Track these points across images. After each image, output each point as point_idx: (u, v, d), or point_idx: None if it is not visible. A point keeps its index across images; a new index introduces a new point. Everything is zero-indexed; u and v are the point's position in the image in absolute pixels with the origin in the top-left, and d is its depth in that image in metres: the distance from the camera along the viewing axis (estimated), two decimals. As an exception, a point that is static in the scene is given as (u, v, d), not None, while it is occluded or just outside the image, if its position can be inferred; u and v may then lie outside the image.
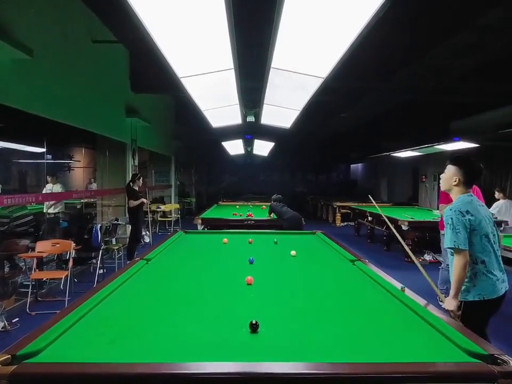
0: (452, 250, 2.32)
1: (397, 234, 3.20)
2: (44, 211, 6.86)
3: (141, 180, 6.58)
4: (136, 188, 6.44)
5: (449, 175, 2.50)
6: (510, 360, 1.37)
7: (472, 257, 2.32)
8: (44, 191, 7.13)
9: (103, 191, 8.02)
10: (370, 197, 4.27)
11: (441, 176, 2.60)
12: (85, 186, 11.34)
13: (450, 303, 2.32)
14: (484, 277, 2.32)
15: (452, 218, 2.32)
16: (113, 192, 8.04)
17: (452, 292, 2.33)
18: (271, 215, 6.58)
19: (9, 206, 5.07)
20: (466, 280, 2.33)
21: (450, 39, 5.23)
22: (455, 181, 2.46)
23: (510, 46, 5.57)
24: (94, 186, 10.72)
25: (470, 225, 2.31)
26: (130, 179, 6.75)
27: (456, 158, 2.53)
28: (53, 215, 6.99)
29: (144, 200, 6.55)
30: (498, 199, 6.88)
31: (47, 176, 7.31)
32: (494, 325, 2.50)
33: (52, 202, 6.95)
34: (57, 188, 7.11)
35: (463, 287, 2.34)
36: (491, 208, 6.65)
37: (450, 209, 2.37)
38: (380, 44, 5.12)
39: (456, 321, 1.81)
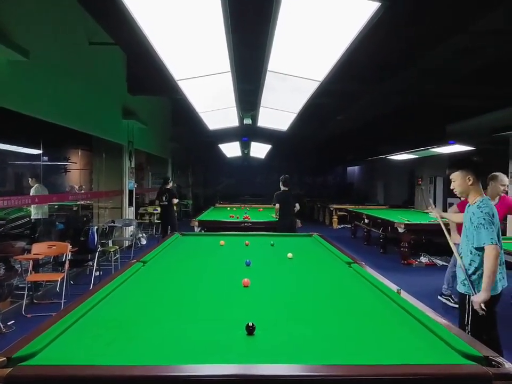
0: (481, 249, 2.46)
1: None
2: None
3: (171, 183, 8.20)
4: (169, 187, 7.98)
5: (461, 180, 2.60)
6: (504, 362, 1.37)
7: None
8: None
9: (99, 193, 8.01)
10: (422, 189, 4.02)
11: (452, 187, 2.70)
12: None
13: (482, 297, 2.42)
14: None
15: (484, 219, 2.45)
16: (110, 194, 8.03)
17: (485, 285, 2.42)
18: (275, 206, 6.31)
19: (6, 207, 5.04)
20: (474, 277, 2.52)
21: (446, 43, 5.27)
22: (469, 180, 2.56)
23: (505, 51, 5.61)
24: None
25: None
26: (163, 182, 8.18)
27: (456, 163, 2.65)
28: (34, 220, 6.66)
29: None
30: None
31: (29, 178, 6.89)
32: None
33: (33, 206, 6.68)
34: (33, 191, 6.57)
35: (468, 283, 2.53)
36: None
37: (481, 212, 2.48)
38: (376, 48, 5.14)
39: (451, 324, 1.82)
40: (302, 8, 2.51)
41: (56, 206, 8.01)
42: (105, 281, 2.46)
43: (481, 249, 2.47)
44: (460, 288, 2.64)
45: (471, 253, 2.56)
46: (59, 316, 1.79)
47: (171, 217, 8.04)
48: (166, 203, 7.97)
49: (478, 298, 2.44)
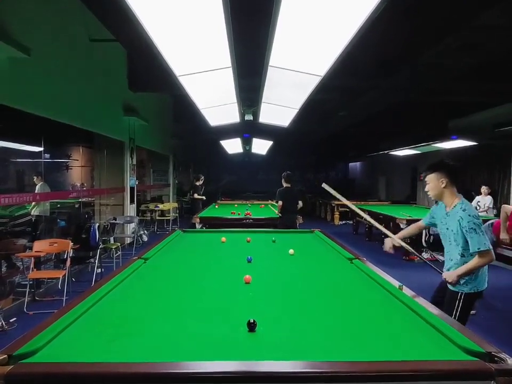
0: (477, 252, 2.44)
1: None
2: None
3: (202, 180, 9.30)
4: (197, 184, 9.15)
5: (434, 182, 2.60)
6: (507, 358, 1.36)
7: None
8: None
9: (101, 190, 8.01)
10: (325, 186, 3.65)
11: (426, 189, 2.70)
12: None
13: (452, 277, 2.53)
14: (481, 271, 2.56)
15: (474, 223, 2.44)
16: (112, 192, 8.03)
17: (460, 271, 2.51)
18: (278, 204, 6.25)
19: (9, 205, 5.05)
20: (467, 278, 2.53)
21: (448, 39, 5.23)
22: (442, 182, 2.56)
23: (508, 46, 5.57)
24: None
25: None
26: (195, 178, 9.50)
27: (431, 165, 2.67)
28: (35, 217, 6.63)
29: (204, 197, 9.26)
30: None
31: (34, 176, 6.98)
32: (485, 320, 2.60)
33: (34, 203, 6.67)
34: (38, 188, 6.66)
35: (463, 281, 2.54)
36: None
37: (470, 215, 2.46)
38: (378, 43, 5.11)
39: (453, 320, 1.82)
40: (303, 2, 2.49)
41: (58, 205, 7.99)
42: (107, 278, 2.46)
43: (481, 252, 2.45)
44: (452, 287, 2.63)
45: (462, 256, 2.55)
46: (61, 313, 1.79)
47: (194, 208, 9.00)
48: (192, 197, 9.31)
49: (448, 276, 2.55)
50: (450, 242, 2.64)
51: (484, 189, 7.59)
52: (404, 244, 3.00)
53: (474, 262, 2.47)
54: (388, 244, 3.00)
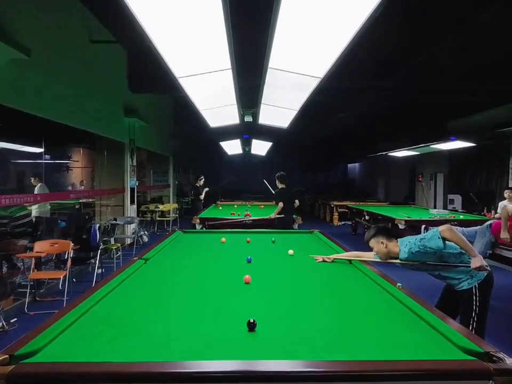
0: (441, 239, 2.61)
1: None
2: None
3: (202, 181, 9.32)
4: (198, 185, 9.20)
5: (378, 246, 2.81)
6: (505, 358, 1.37)
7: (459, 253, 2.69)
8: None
9: (101, 191, 8.02)
10: None
11: (375, 253, 2.89)
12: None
13: (478, 260, 2.59)
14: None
15: (416, 239, 2.71)
16: (112, 192, 8.04)
17: (472, 252, 2.61)
18: (279, 204, 6.21)
19: (9, 206, 5.05)
20: (474, 272, 2.65)
21: (447, 39, 5.25)
22: (383, 243, 2.79)
23: (506, 46, 5.59)
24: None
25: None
26: (195, 179, 9.58)
27: (367, 236, 2.89)
28: (35, 218, 6.51)
29: (207, 188, 9.43)
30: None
31: (31, 177, 6.85)
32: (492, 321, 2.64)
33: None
34: (37, 189, 6.55)
35: (471, 277, 2.66)
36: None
37: (414, 244, 2.69)
38: (377, 44, 5.12)
39: (452, 320, 1.83)
40: (303, 4, 2.50)
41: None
42: (107, 278, 2.47)
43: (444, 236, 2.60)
44: (463, 286, 2.70)
45: (445, 262, 2.69)
46: (61, 313, 1.80)
47: (195, 209, 9.08)
48: (193, 197, 9.59)
49: (477, 262, 2.58)
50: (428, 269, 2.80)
51: (507, 192, 6.34)
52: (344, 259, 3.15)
53: (455, 239, 2.59)
54: (323, 258, 3.16)
